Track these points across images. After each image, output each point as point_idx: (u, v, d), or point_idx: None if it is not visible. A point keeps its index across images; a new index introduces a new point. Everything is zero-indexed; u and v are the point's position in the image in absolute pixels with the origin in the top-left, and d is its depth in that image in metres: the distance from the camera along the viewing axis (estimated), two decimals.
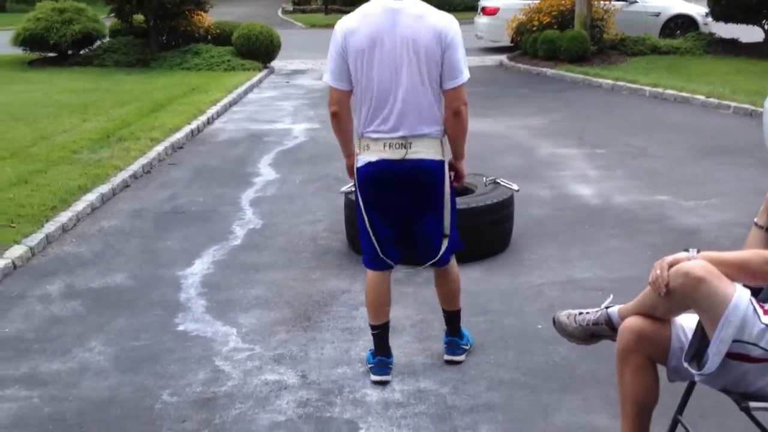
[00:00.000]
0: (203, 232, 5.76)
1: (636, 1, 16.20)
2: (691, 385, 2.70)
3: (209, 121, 9.99)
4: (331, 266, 5.02)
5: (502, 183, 5.22)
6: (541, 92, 12.17)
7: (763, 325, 2.35)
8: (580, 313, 2.84)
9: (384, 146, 3.36)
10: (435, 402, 3.41)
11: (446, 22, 3.33)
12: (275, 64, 15.55)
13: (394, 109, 3.32)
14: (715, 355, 2.38)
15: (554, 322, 2.90)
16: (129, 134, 8.57)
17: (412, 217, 3.51)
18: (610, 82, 12.37)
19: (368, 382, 3.57)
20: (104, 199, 6.52)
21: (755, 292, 2.46)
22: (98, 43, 15.33)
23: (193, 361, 3.82)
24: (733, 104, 10.09)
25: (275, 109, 11.06)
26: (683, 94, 10.95)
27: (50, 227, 5.62)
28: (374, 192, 3.45)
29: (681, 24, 16.44)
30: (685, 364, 2.47)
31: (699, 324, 2.47)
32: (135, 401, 3.47)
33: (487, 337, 4.01)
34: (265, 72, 14.43)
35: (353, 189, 3.60)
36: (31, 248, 5.26)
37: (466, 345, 3.83)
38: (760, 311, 2.38)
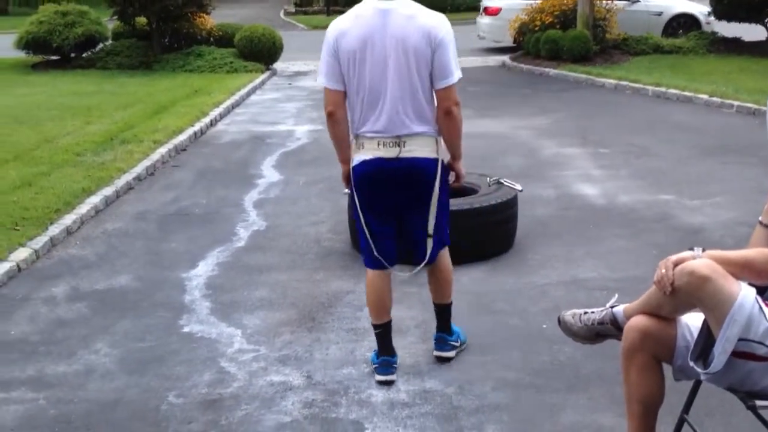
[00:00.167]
0: (207, 233, 5.76)
1: (638, 1, 16.18)
2: (697, 384, 2.70)
3: (212, 123, 10.00)
4: (335, 267, 5.03)
5: (505, 183, 5.22)
6: (543, 92, 12.16)
7: None
8: (585, 313, 2.84)
9: (378, 145, 3.39)
10: (441, 402, 3.42)
11: (436, 21, 3.34)
12: (277, 65, 15.56)
13: (387, 109, 3.34)
14: (720, 354, 2.38)
15: (559, 321, 2.90)
16: (132, 137, 8.58)
17: (404, 215, 3.53)
18: (612, 81, 12.37)
19: (373, 383, 3.57)
20: (108, 202, 6.53)
21: (761, 291, 2.46)
22: (101, 45, 15.34)
23: (199, 362, 3.83)
24: (736, 103, 10.07)
25: (278, 111, 11.07)
26: (686, 93, 10.93)
27: (54, 230, 5.63)
28: (369, 190, 3.47)
29: (683, 23, 16.42)
30: (691, 363, 2.47)
31: (704, 323, 2.47)
32: (141, 403, 3.48)
33: (492, 338, 4.01)
34: (267, 74, 14.43)
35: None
36: (35, 251, 5.27)
37: (456, 342, 3.82)
38: (765, 310, 2.38)
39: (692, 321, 2.59)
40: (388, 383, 3.55)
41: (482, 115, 9.84)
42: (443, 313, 3.80)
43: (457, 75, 3.38)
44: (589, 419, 3.26)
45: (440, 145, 3.49)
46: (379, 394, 3.49)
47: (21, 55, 15.20)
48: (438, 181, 3.45)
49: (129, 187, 7.00)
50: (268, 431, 3.24)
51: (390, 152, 3.38)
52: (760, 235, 2.65)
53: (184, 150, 8.61)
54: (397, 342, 3.78)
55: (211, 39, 15.69)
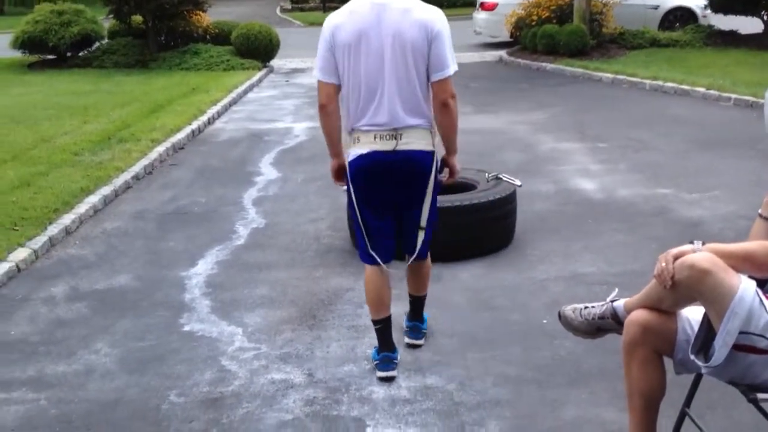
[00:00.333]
0: (206, 232, 5.76)
1: None
2: (698, 378, 2.70)
3: (210, 121, 9.99)
4: (335, 264, 5.02)
5: (504, 178, 5.22)
6: (541, 87, 12.16)
7: None
8: (586, 308, 2.84)
9: (375, 138, 3.40)
10: (442, 398, 3.42)
11: (432, 15, 3.37)
12: (274, 63, 15.55)
13: (383, 102, 3.36)
14: (721, 347, 2.38)
15: (560, 316, 2.90)
16: (130, 135, 8.57)
17: (402, 208, 3.55)
18: (609, 75, 12.36)
19: (375, 380, 3.57)
20: (106, 201, 6.52)
21: (761, 284, 2.46)
22: (97, 44, 15.31)
23: (199, 361, 3.83)
24: (733, 96, 10.07)
25: (275, 108, 11.05)
26: (683, 86, 10.93)
27: (53, 230, 5.63)
28: (366, 184, 3.48)
29: (680, 16, 16.41)
30: (692, 357, 2.47)
31: (705, 316, 2.47)
32: (142, 402, 3.47)
33: (493, 333, 4.01)
34: (264, 71, 14.42)
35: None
36: (34, 251, 5.26)
37: (426, 329, 3.92)
38: (766, 303, 2.38)
39: (693, 314, 2.59)
40: (390, 379, 3.56)
41: (479, 111, 9.83)
42: (420, 303, 3.89)
43: (453, 67, 3.40)
44: (590, 414, 3.26)
45: (435, 137, 3.50)
46: (380, 391, 3.49)
47: (17, 54, 15.18)
48: (433, 174, 3.49)
49: (127, 187, 6.99)
50: (269, 429, 3.24)
51: (387, 145, 3.39)
52: (759, 227, 2.65)
53: (182, 148, 8.60)
54: (397, 338, 3.78)
55: (208, 37, 15.68)
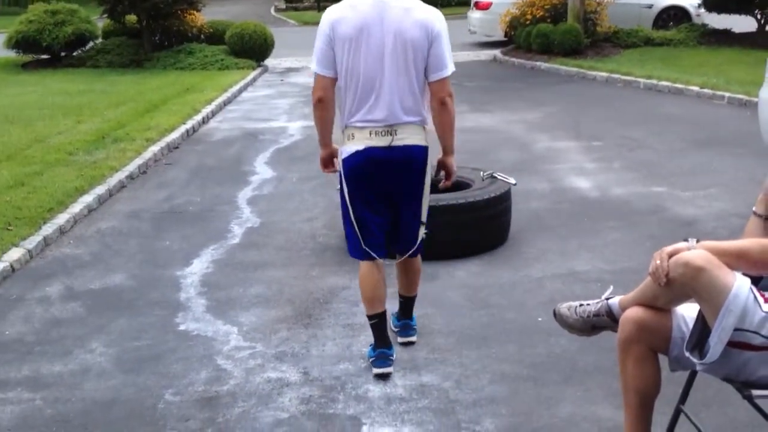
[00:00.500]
0: (201, 231, 5.75)
1: None
2: (693, 375, 2.71)
3: (204, 121, 9.98)
4: (331, 263, 5.02)
5: (499, 177, 5.23)
6: (535, 86, 12.18)
7: (763, 314, 2.36)
8: (581, 305, 2.84)
9: (370, 134, 3.42)
10: (438, 396, 3.42)
11: (433, 15, 3.42)
12: (269, 62, 15.54)
13: (380, 99, 3.39)
14: (716, 344, 2.39)
15: (555, 314, 2.91)
16: (124, 135, 8.56)
17: (399, 204, 3.57)
18: (604, 74, 12.39)
19: (371, 378, 3.58)
20: (101, 201, 6.51)
21: (755, 281, 2.47)
22: (91, 44, 15.29)
23: (195, 360, 3.82)
24: (727, 95, 10.11)
25: (270, 108, 11.05)
26: (677, 85, 10.97)
27: (48, 229, 5.61)
28: (362, 181, 3.49)
29: (674, 15, 16.46)
30: (687, 354, 2.48)
31: (700, 313, 2.47)
32: (138, 401, 3.47)
33: (489, 331, 4.02)
34: (259, 70, 14.41)
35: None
36: (29, 251, 5.25)
37: (415, 325, 3.94)
38: (760, 299, 2.39)
39: (688, 312, 2.60)
40: (386, 376, 3.56)
41: (474, 110, 9.83)
42: (411, 304, 3.91)
43: (451, 67, 3.45)
44: (586, 411, 3.27)
45: (427, 133, 3.53)
46: (376, 389, 3.49)
47: (11, 54, 15.15)
48: (428, 168, 3.53)
49: (122, 186, 6.98)
50: (265, 428, 3.24)
51: (382, 141, 3.41)
52: (754, 225, 2.66)
53: (177, 148, 8.59)
54: (393, 337, 3.79)
55: (202, 36, 15.67)
